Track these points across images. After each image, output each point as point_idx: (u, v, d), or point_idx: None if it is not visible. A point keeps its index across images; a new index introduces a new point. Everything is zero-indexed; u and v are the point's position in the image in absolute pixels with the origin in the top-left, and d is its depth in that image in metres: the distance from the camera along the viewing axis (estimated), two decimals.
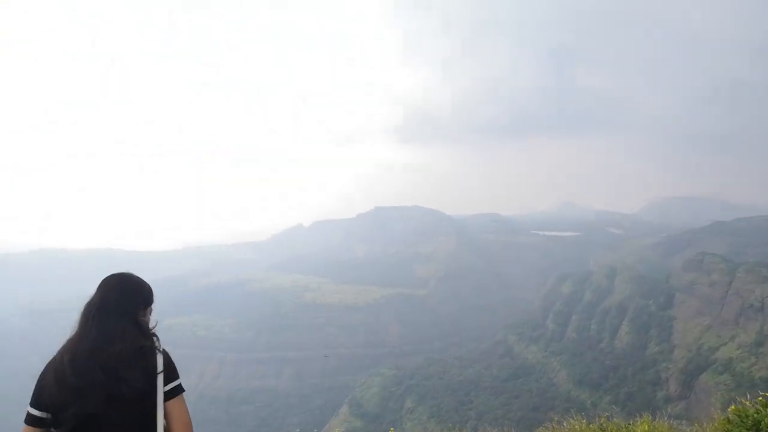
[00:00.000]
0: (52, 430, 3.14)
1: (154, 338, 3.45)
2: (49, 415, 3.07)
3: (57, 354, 3.23)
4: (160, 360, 3.26)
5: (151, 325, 3.59)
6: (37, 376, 3.28)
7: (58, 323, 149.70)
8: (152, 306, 3.65)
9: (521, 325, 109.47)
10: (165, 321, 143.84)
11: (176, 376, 3.32)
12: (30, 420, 3.08)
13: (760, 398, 6.16)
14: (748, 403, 6.49)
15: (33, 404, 3.15)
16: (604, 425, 7.44)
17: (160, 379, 3.22)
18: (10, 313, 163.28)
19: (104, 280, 3.53)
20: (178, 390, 3.30)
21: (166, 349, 3.40)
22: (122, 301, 3.42)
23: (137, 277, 3.60)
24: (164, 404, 3.20)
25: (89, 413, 3.04)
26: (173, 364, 3.35)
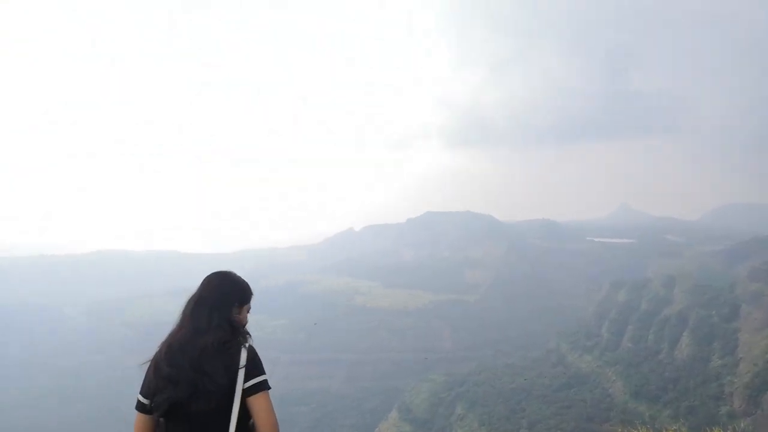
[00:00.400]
0: (161, 418, 3.30)
1: (246, 335, 3.52)
2: (149, 401, 3.30)
3: (160, 344, 3.50)
4: (243, 356, 3.30)
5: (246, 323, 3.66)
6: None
7: (118, 320, 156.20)
8: (250, 305, 3.72)
9: (574, 334, 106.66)
10: None
11: (260, 373, 3.32)
12: (137, 406, 3.36)
13: None
14: None
15: (140, 391, 3.38)
16: None
17: (241, 374, 3.24)
18: (78, 312, 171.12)
19: (206, 277, 3.71)
20: (261, 386, 3.29)
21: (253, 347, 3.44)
22: (217, 297, 3.53)
23: (237, 276, 3.72)
24: (247, 400, 3.22)
25: (178, 402, 3.18)
26: (258, 360, 3.38)
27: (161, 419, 3.33)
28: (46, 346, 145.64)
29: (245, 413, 3.25)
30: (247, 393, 3.23)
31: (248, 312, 3.71)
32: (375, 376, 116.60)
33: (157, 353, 3.43)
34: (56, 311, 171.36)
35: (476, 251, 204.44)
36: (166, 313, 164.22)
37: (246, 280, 3.76)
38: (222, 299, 3.53)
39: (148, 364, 3.45)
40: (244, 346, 3.36)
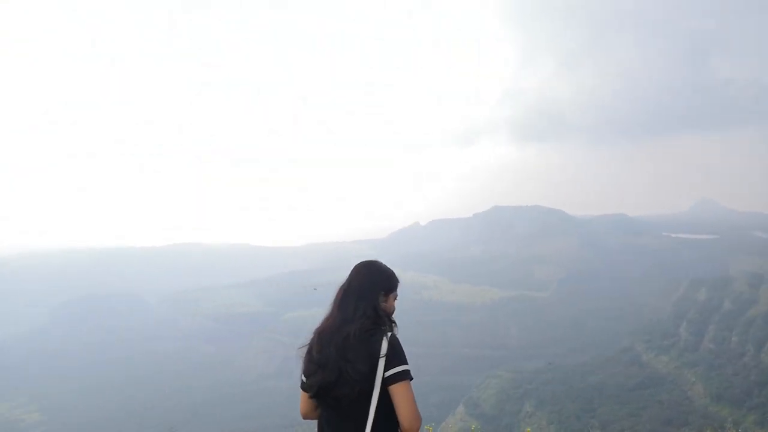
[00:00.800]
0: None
1: (391, 324, 3.54)
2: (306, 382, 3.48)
3: (314, 331, 3.62)
4: (384, 344, 3.30)
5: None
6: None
7: (194, 310, 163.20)
8: (396, 292, 3.74)
9: (649, 333, 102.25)
10: (288, 313, 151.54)
11: (401, 362, 3.29)
12: (301, 384, 3.52)
13: None
14: None
15: (302, 371, 3.52)
16: None
17: (381, 363, 3.25)
18: (158, 301, 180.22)
19: (355, 266, 3.81)
20: (401, 376, 3.26)
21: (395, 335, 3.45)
22: (364, 286, 3.62)
23: (383, 264, 3.76)
24: (388, 389, 3.25)
25: (325, 386, 3.32)
26: (399, 349, 3.35)
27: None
28: (130, 332, 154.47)
29: (388, 402, 3.28)
30: (387, 382, 3.24)
31: (395, 300, 3.73)
32: (440, 370, 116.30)
33: (311, 339, 3.57)
34: (138, 300, 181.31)
35: (546, 247, 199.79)
36: (239, 304, 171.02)
37: (391, 269, 3.80)
38: (367, 288, 3.60)
39: (305, 348, 3.58)
40: (386, 336, 3.35)
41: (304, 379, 3.49)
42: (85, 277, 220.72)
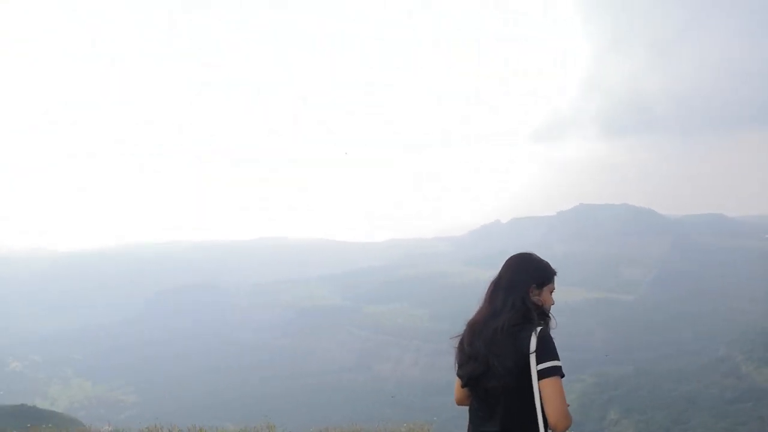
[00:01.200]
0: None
1: (544, 318, 3.48)
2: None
3: (466, 323, 3.64)
4: (533, 340, 3.23)
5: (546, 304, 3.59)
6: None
7: (276, 302, 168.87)
8: (553, 285, 3.65)
9: (750, 342, 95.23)
10: (367, 308, 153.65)
11: (550, 358, 3.22)
12: (456, 371, 3.57)
13: None
14: None
15: (455, 359, 3.59)
16: None
17: (533, 359, 3.20)
18: (242, 293, 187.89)
19: (507, 259, 3.72)
20: (550, 372, 3.19)
21: (548, 330, 3.39)
22: (513, 279, 3.54)
23: (535, 257, 3.69)
24: (538, 383, 3.21)
25: (474, 377, 3.38)
26: (549, 345, 3.28)
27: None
28: (216, 322, 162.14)
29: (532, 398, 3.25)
30: (537, 377, 3.21)
31: (551, 292, 3.64)
32: None
33: (463, 330, 3.60)
34: (223, 292, 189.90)
35: (634, 247, 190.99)
36: (318, 297, 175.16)
37: (547, 261, 3.72)
38: (517, 281, 3.53)
39: (457, 339, 3.63)
40: (535, 331, 3.27)
41: (456, 368, 3.55)
42: (176, 270, 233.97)
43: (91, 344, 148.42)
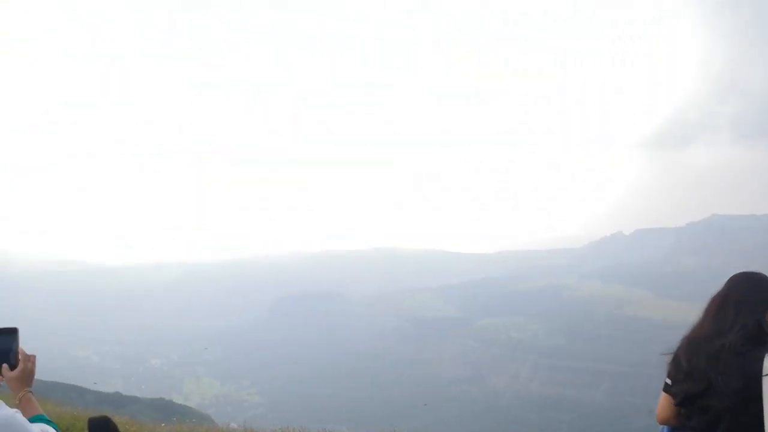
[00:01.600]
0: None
1: None
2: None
3: (682, 339, 3.47)
4: (766, 363, 2.98)
5: None
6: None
7: (392, 312, 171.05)
8: None
9: None
10: (481, 320, 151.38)
11: None
12: (664, 387, 3.42)
13: None
14: None
15: (667, 375, 3.47)
16: None
17: (766, 382, 2.94)
18: (361, 302, 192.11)
19: (732, 277, 3.54)
20: None
21: None
22: (744, 299, 3.34)
23: (766, 277, 3.48)
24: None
25: (692, 394, 3.21)
26: None
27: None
28: (336, 329, 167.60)
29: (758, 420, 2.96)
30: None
31: None
32: (645, 392, 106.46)
33: (678, 347, 3.41)
34: (343, 300, 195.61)
35: None
36: (433, 308, 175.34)
37: None
38: (749, 301, 3.31)
39: (670, 356, 3.41)
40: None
41: (668, 382, 3.36)
42: (299, 277, 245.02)
43: (221, 346, 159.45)
